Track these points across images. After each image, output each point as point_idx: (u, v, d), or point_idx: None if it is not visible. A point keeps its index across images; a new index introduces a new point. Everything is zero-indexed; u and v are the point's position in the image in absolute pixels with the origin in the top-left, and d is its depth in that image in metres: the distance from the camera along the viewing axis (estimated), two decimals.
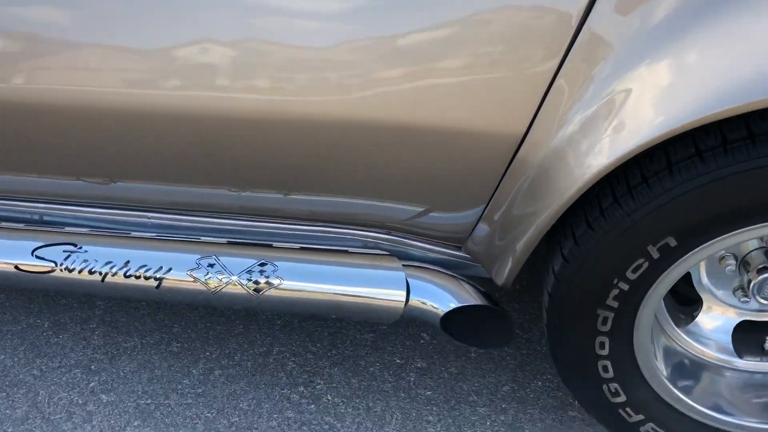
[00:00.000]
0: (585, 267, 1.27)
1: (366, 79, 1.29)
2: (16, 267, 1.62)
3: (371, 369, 1.81)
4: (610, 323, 1.32)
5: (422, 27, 1.22)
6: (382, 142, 1.36)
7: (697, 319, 1.48)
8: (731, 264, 1.39)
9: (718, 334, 1.50)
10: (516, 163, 1.34)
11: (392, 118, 1.31)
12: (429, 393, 1.74)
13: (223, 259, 1.59)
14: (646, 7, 1.14)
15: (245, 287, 1.56)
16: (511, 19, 1.20)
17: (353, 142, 1.37)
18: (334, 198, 1.53)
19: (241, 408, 1.71)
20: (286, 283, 1.54)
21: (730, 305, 1.48)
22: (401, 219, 1.54)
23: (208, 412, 1.70)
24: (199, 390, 1.76)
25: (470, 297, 1.51)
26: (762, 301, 1.39)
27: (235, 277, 1.56)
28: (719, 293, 1.47)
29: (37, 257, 1.66)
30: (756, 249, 1.37)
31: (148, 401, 1.73)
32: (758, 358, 1.51)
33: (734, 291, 1.44)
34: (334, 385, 1.77)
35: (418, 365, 1.81)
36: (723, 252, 1.38)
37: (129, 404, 1.73)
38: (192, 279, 1.58)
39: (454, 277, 1.55)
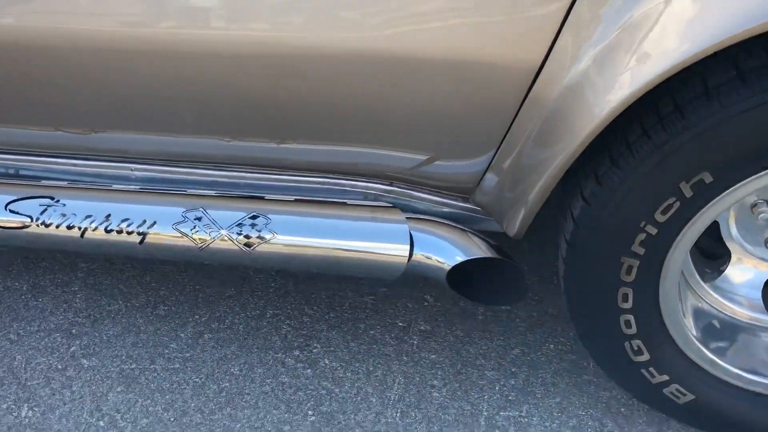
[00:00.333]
0: (608, 209, 1.15)
1: (366, 6, 1.18)
2: None
3: (371, 332, 1.69)
4: (634, 272, 1.20)
5: None
6: (386, 77, 1.24)
7: (725, 273, 1.37)
8: (764, 211, 1.27)
9: (748, 289, 1.38)
10: (530, 100, 1.23)
11: (397, 49, 1.19)
12: (433, 356, 1.63)
13: (212, 212, 1.48)
14: None
15: (236, 242, 1.45)
16: None
17: (353, 78, 1.25)
18: (331, 146, 1.41)
19: (232, 373, 1.60)
20: (280, 238, 1.43)
21: (761, 258, 1.36)
22: (404, 168, 1.42)
23: (197, 377, 1.59)
24: (187, 354, 1.64)
25: (479, 250, 1.40)
26: None
27: (224, 231, 1.45)
28: (749, 246, 1.35)
29: (10, 211, 1.56)
30: None
31: (133, 366, 1.62)
32: None
33: (766, 242, 1.32)
34: (332, 348, 1.65)
35: (422, 328, 1.70)
36: (756, 198, 1.27)
37: (112, 369, 1.61)
38: (178, 233, 1.47)
39: (461, 229, 1.44)
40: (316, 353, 1.64)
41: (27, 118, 1.52)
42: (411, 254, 1.41)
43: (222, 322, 1.72)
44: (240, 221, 1.45)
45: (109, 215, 1.50)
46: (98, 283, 1.84)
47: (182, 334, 1.69)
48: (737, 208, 1.30)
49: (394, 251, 1.41)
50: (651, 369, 1.32)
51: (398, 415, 1.51)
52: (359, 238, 1.43)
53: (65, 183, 1.59)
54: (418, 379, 1.58)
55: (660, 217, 1.13)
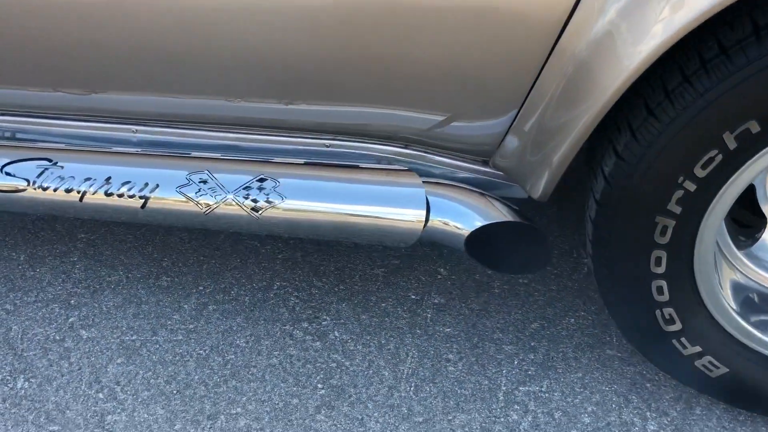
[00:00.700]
0: (644, 164, 1.07)
1: None
2: None
3: (383, 305, 1.62)
4: (669, 234, 1.12)
5: None
6: (400, 28, 1.16)
7: (762, 240, 1.28)
8: None
9: None
10: (556, 54, 1.15)
11: None
12: (448, 330, 1.55)
13: (217, 175, 1.41)
14: None
15: (243, 206, 1.38)
16: None
17: (364, 30, 1.18)
18: (342, 107, 1.33)
19: (237, 345, 1.52)
20: (289, 202, 1.37)
21: None
22: (420, 129, 1.34)
23: (201, 349, 1.52)
24: (191, 326, 1.57)
25: (499, 213, 1.32)
26: None
27: (230, 195, 1.38)
28: None
29: (6, 174, 1.49)
30: None
31: (134, 337, 1.54)
32: None
33: None
34: (342, 321, 1.58)
35: (436, 301, 1.62)
36: None
37: (112, 340, 1.54)
38: (182, 197, 1.41)
39: (479, 193, 1.37)
40: (326, 326, 1.56)
41: (25, 78, 1.45)
42: (427, 219, 1.33)
43: (227, 293, 1.65)
44: (247, 184, 1.38)
45: (109, 178, 1.43)
46: (98, 253, 1.77)
47: (185, 306, 1.62)
48: None
49: (410, 216, 1.34)
50: (683, 339, 1.24)
51: (412, 389, 1.43)
52: (372, 202, 1.35)
53: (63, 145, 1.52)
54: (432, 352, 1.50)
55: (700, 172, 1.05)
